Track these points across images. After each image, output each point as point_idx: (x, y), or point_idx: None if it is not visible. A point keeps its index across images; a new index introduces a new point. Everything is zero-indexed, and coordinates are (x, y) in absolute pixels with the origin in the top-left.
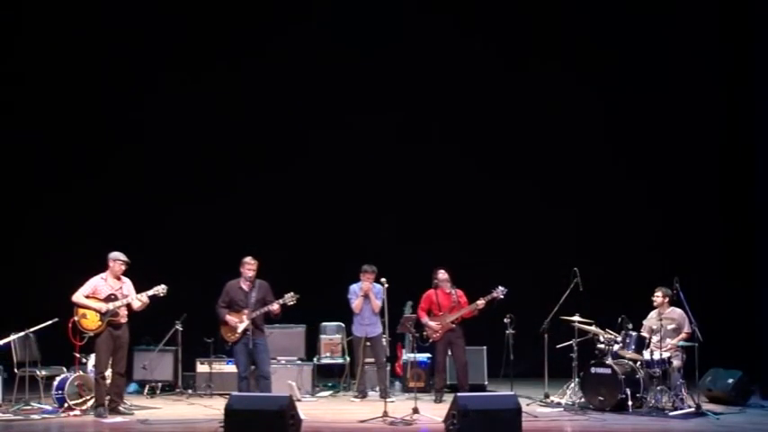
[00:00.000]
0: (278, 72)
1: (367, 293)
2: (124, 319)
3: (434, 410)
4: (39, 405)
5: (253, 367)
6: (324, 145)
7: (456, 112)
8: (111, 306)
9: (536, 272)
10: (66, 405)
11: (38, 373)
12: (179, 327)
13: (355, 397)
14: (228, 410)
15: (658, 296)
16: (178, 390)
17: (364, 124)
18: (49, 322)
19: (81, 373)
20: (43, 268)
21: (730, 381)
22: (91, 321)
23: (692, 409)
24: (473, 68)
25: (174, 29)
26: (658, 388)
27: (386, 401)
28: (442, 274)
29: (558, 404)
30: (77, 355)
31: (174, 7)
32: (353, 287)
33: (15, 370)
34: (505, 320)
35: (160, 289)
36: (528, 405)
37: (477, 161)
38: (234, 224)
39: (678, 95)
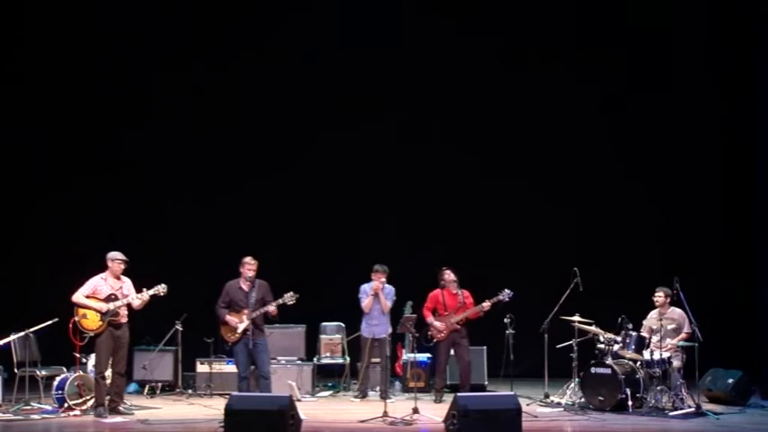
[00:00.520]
0: (278, 72)
1: (377, 293)
2: (124, 319)
3: (434, 410)
4: (39, 405)
5: (253, 367)
6: (324, 145)
7: (457, 112)
8: (111, 306)
9: (536, 272)
10: (66, 405)
11: (38, 373)
12: (179, 327)
13: (355, 397)
14: (228, 410)
15: (660, 296)
16: (178, 390)
17: (365, 125)
18: (49, 322)
19: (81, 373)
20: (43, 268)
21: (730, 381)
22: (91, 321)
23: (692, 409)
24: (474, 69)
25: (175, 29)
26: (658, 388)
27: (386, 402)
28: (449, 275)
29: (558, 404)
30: (77, 355)
31: (175, 7)
32: (364, 287)
33: (15, 370)
34: (505, 320)
35: (160, 288)
36: (528, 405)
37: (478, 161)
38: (234, 224)
39: (678, 96)
